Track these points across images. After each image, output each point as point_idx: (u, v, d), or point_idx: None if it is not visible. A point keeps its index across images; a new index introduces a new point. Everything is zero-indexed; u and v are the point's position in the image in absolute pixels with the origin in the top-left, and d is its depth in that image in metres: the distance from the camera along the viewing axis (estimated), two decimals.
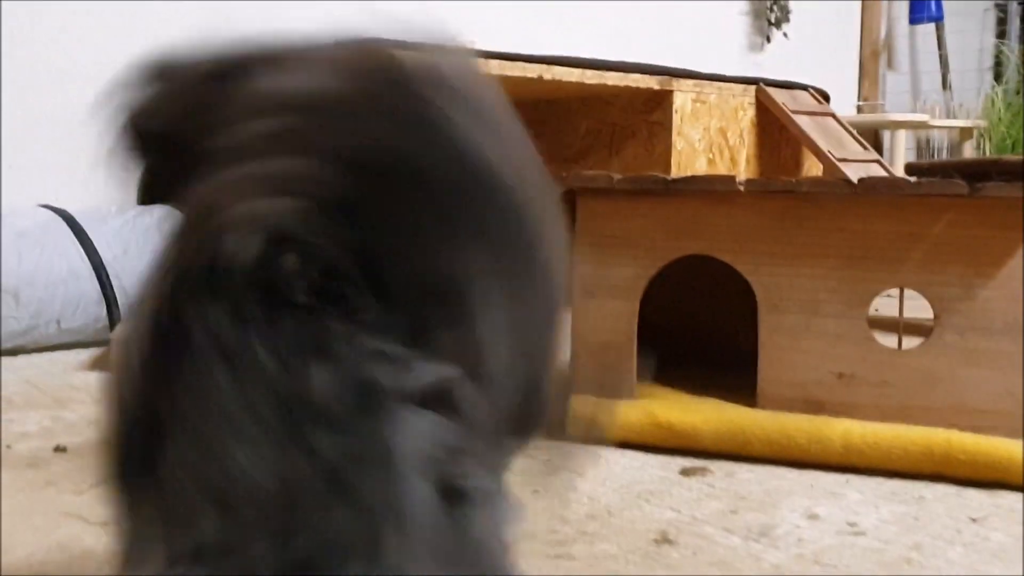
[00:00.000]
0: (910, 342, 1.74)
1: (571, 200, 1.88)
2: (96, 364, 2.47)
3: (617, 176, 1.81)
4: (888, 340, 1.74)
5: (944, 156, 5.80)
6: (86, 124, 2.55)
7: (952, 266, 1.65)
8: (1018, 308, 1.62)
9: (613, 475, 1.61)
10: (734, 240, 1.75)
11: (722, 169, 3.31)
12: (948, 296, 1.66)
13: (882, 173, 3.33)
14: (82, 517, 1.41)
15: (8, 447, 1.75)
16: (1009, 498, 1.51)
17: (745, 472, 1.63)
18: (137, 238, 2.78)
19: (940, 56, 6.05)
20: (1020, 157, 1.86)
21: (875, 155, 3.44)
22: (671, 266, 1.81)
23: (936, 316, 1.67)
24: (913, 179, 1.68)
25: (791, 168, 3.62)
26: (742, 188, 1.73)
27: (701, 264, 1.81)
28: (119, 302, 2.67)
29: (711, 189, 1.75)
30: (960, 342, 1.65)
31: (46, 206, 2.81)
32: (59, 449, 1.74)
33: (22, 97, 2.92)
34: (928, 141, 5.91)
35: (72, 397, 2.13)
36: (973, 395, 1.65)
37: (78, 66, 3.04)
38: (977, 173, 2.02)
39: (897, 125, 4.96)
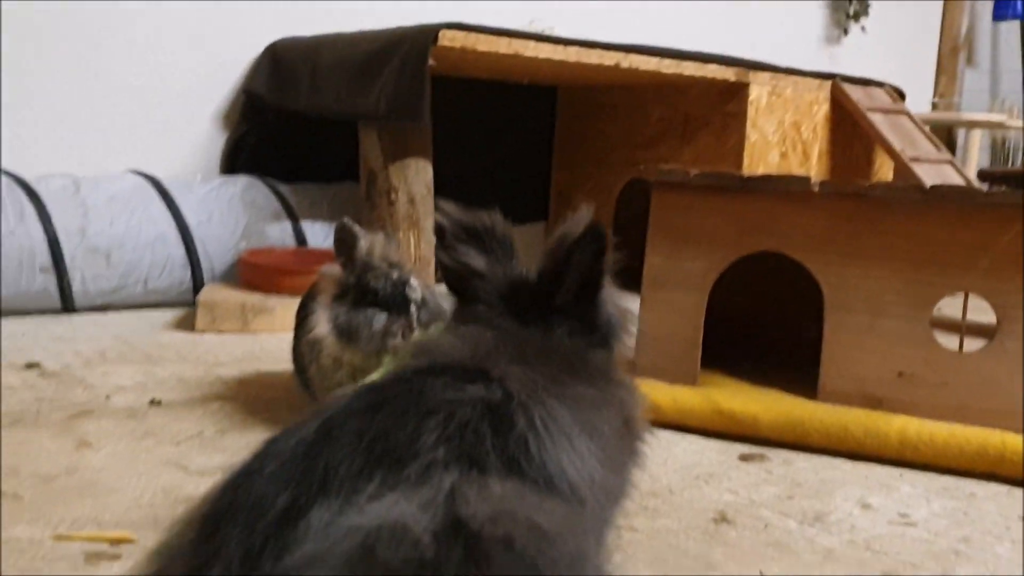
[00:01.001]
0: (971, 346, 1.78)
1: (646, 191, 1.94)
2: (181, 324, 2.61)
3: (693, 172, 1.87)
4: (950, 342, 1.78)
5: (1020, 158, 5.70)
6: (174, 94, 2.71)
7: (1017, 275, 1.68)
8: None
9: (674, 457, 1.68)
10: (805, 239, 1.80)
11: (794, 163, 3.33)
12: (1011, 304, 1.69)
13: (954, 175, 3.32)
14: (181, 466, 1.53)
15: (107, 398, 1.88)
16: None
17: (802, 461, 1.69)
18: (221, 206, 2.90)
19: (1023, 55, 5.94)
20: None
21: (948, 155, 3.43)
22: (740, 260, 1.86)
23: (998, 322, 1.71)
24: (984, 188, 1.71)
25: (863, 165, 3.62)
26: (816, 189, 1.78)
27: (770, 260, 1.86)
28: (202, 266, 2.81)
29: (786, 189, 1.80)
30: (1020, 349, 1.69)
31: (136, 172, 2.95)
32: (154, 403, 1.87)
33: (112, 67, 3.05)
34: (1004, 142, 5.81)
35: (161, 355, 2.26)
36: None
37: (166, 37, 3.16)
38: None
39: (972, 124, 4.90)
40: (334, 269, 1.68)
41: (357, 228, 1.66)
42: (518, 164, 3.88)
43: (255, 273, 2.72)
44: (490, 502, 0.74)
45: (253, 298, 2.62)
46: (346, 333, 1.61)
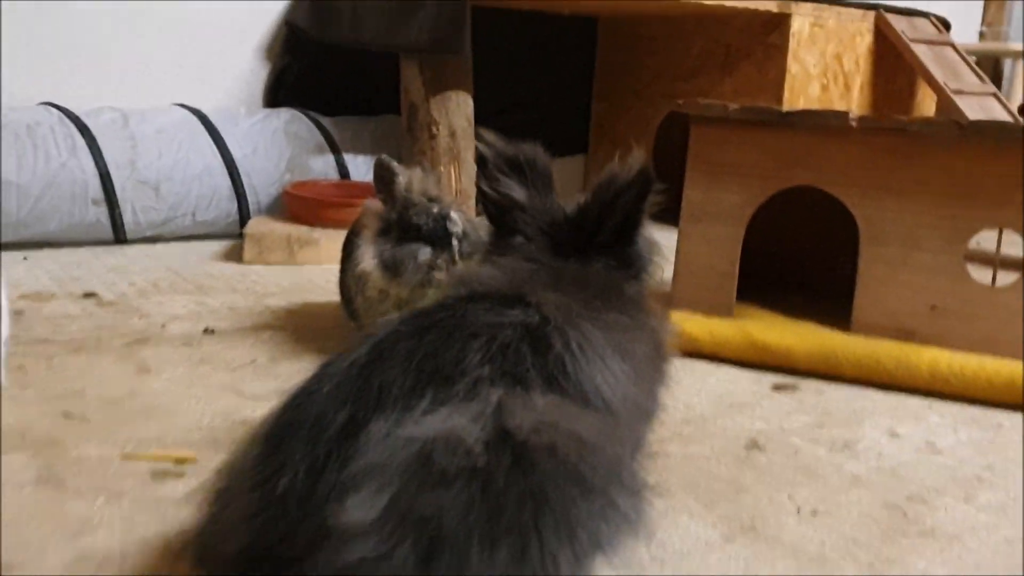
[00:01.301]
0: (1004, 280, 1.80)
1: (685, 125, 1.96)
2: (229, 255, 2.69)
3: (732, 106, 1.88)
4: (982, 276, 1.81)
5: None
6: (217, 28, 2.76)
7: None
8: None
9: (708, 387, 1.73)
10: (842, 174, 1.82)
11: (835, 96, 3.30)
12: None
13: (998, 108, 3.28)
14: (237, 391, 1.61)
15: (163, 326, 1.97)
16: None
17: (833, 391, 1.74)
18: (265, 139, 2.95)
19: None
20: None
21: (992, 88, 3.37)
22: (777, 194, 1.89)
23: None
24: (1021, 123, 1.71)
25: (905, 97, 3.57)
26: (854, 124, 1.79)
27: (806, 194, 1.88)
28: (248, 198, 2.87)
29: (824, 124, 1.81)
30: None
31: (182, 105, 3.00)
32: (207, 331, 1.95)
33: (156, 2, 3.08)
34: None
35: (212, 285, 2.34)
36: None
37: None
38: None
39: (1019, 55, 4.78)
40: (376, 205, 1.73)
41: (395, 164, 1.70)
42: (558, 96, 3.88)
43: (300, 206, 2.78)
44: (533, 414, 0.81)
45: (298, 230, 2.68)
46: (392, 267, 1.67)
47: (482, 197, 1.12)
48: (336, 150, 3.06)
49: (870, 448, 1.47)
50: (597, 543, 0.80)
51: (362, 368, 0.87)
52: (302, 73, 3.29)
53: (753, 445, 1.45)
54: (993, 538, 1.17)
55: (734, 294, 1.93)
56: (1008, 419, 1.63)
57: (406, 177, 1.71)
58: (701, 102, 1.92)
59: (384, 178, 1.70)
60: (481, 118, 3.04)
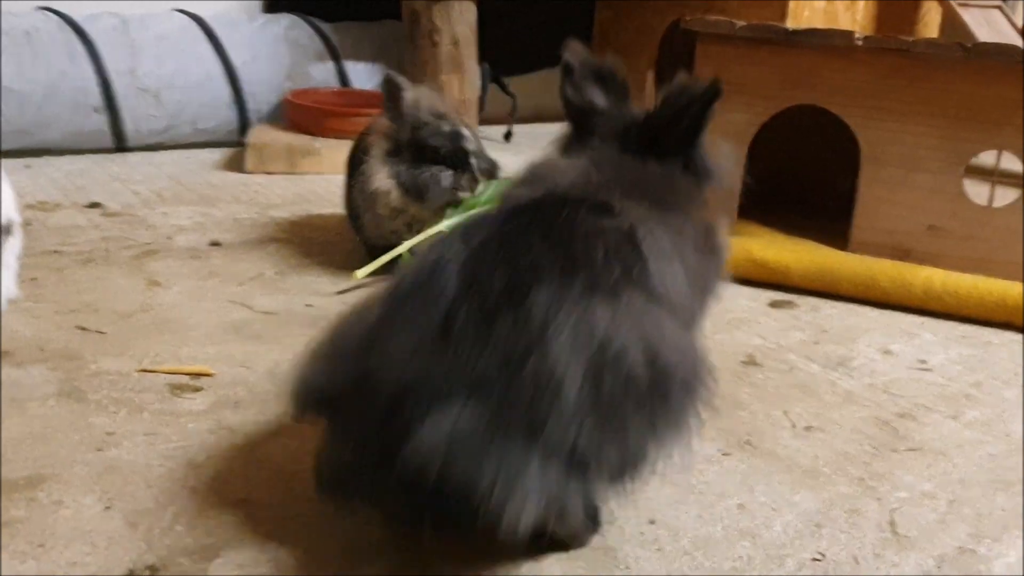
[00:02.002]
0: (1001, 200, 1.83)
1: (691, 42, 1.95)
2: (231, 164, 2.69)
3: (739, 23, 1.87)
4: (979, 196, 1.83)
5: None
6: None
7: None
8: None
9: None
10: (846, 94, 1.83)
11: (840, 7, 3.25)
12: None
13: (1003, 21, 3.24)
14: (247, 305, 1.65)
15: (169, 238, 1.99)
16: None
17: (829, 308, 1.78)
18: (265, 46, 2.93)
19: None
20: None
21: (997, 0, 3.33)
22: (780, 113, 1.89)
23: None
24: None
25: (909, 10, 3.52)
26: (860, 44, 1.79)
27: (808, 113, 1.89)
28: (249, 107, 2.86)
29: (829, 43, 1.81)
30: None
31: (181, 11, 2.96)
32: (214, 244, 1.97)
33: None
34: None
35: (216, 196, 2.35)
36: None
37: None
38: None
39: None
40: (383, 122, 1.74)
41: (402, 80, 1.71)
42: (561, 3, 3.82)
43: (301, 114, 2.77)
44: (666, 330, 0.93)
45: (300, 140, 2.68)
46: (415, 192, 1.70)
47: (566, 103, 1.21)
48: (336, 57, 3.03)
49: (864, 365, 1.52)
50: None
51: (499, 247, 0.94)
52: None
53: (750, 361, 1.50)
54: (978, 453, 1.23)
55: (735, 212, 1.95)
56: (997, 336, 1.68)
57: (413, 94, 1.71)
58: (708, 19, 1.91)
59: (392, 95, 1.70)
60: (483, 25, 3.01)
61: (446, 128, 1.69)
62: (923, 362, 1.55)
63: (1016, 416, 1.36)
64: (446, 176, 1.69)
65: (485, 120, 3.36)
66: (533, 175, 1.12)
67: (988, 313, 1.72)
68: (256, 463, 1.12)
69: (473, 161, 1.69)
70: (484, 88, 3.21)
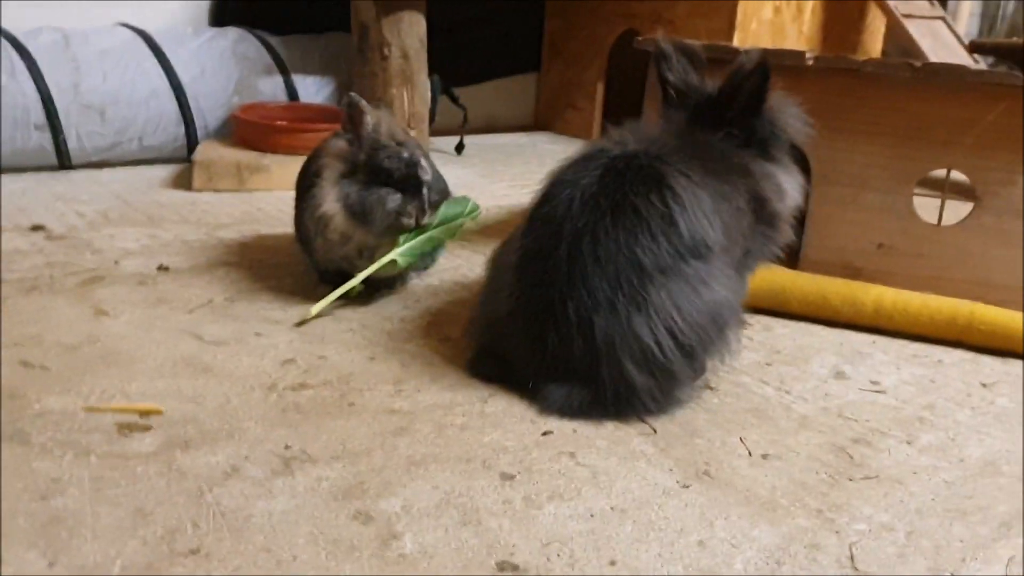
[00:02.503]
0: (950, 219, 1.85)
1: (644, 53, 1.95)
2: (178, 182, 2.64)
3: (695, 43, 1.87)
4: (929, 215, 1.86)
5: (1010, 8, 5.62)
6: None
7: (1001, 152, 1.73)
8: None
9: None
10: None
11: (787, 18, 3.29)
12: (992, 180, 1.75)
13: (946, 32, 3.30)
14: (196, 335, 1.61)
15: (116, 263, 1.94)
16: (1019, 366, 1.66)
17: (781, 328, 1.79)
18: (212, 60, 2.88)
19: None
20: None
21: (940, 12, 3.38)
22: None
23: (977, 198, 1.78)
24: (975, 64, 1.73)
25: (855, 20, 3.57)
26: (810, 63, 1.80)
27: None
28: (196, 122, 2.81)
29: (780, 63, 1.82)
30: (996, 223, 1.76)
31: (125, 25, 2.90)
32: (162, 268, 1.93)
33: None
34: None
35: (163, 216, 2.30)
36: (1001, 273, 1.78)
37: None
38: None
39: None
40: (338, 144, 1.71)
41: (364, 103, 1.68)
42: (510, 13, 3.81)
43: (249, 130, 2.73)
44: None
45: (248, 156, 2.64)
46: (359, 213, 1.66)
47: (663, 82, 1.52)
48: (285, 71, 2.99)
49: (817, 388, 1.53)
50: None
51: (599, 187, 1.36)
52: None
53: (706, 386, 1.50)
54: (933, 480, 1.24)
55: None
56: (947, 355, 1.70)
57: (375, 117, 1.69)
58: (660, 38, 1.91)
59: (353, 117, 1.67)
60: (433, 36, 2.99)
61: (404, 154, 1.66)
62: (876, 383, 1.56)
63: (969, 440, 1.37)
64: (393, 199, 1.65)
65: (436, 132, 3.34)
66: (615, 138, 1.44)
67: (938, 331, 1.74)
68: (207, 509, 1.09)
69: (425, 191, 1.67)
70: (435, 100, 3.19)
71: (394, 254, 1.68)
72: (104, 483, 1.13)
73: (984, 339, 1.71)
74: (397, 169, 1.65)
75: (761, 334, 1.75)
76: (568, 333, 1.31)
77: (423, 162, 1.67)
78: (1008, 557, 1.07)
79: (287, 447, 1.22)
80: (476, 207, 1.82)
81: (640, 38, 1.93)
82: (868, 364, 1.64)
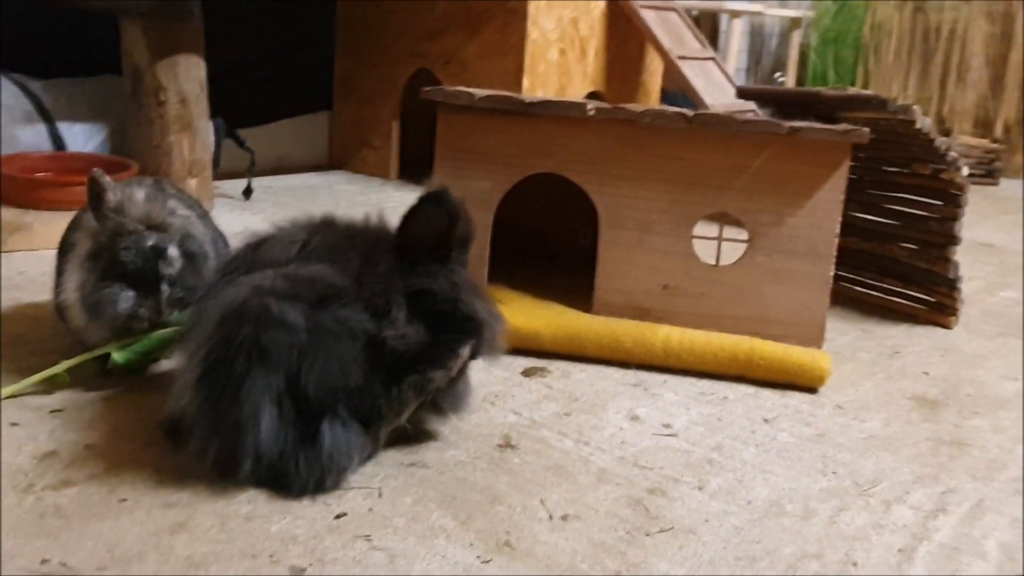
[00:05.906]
0: (726, 260, 1.94)
1: (433, 111, 1.94)
2: None
3: (478, 94, 1.88)
4: (708, 256, 1.94)
5: (774, 44, 6.08)
6: None
7: (768, 195, 1.84)
8: (819, 235, 1.83)
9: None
10: (582, 161, 1.88)
11: (572, 60, 3.38)
12: (762, 222, 1.85)
13: (717, 72, 3.50)
14: None
15: None
16: (796, 398, 1.75)
17: (579, 373, 1.81)
18: None
19: None
20: (842, 91, 2.02)
21: (711, 52, 3.59)
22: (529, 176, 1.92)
23: (750, 239, 1.87)
24: (744, 110, 1.83)
25: (635, 60, 3.73)
26: (591, 114, 1.84)
27: (552, 177, 1.92)
28: None
29: (564, 114, 1.86)
30: (768, 262, 1.86)
31: None
32: None
33: None
34: (762, 27, 6.14)
35: None
36: (775, 308, 1.88)
37: None
38: (803, 103, 2.21)
39: (735, 14, 5.17)
40: (91, 219, 1.56)
41: (106, 180, 1.51)
42: (299, 51, 3.73)
43: (8, 185, 2.51)
44: None
45: (8, 213, 2.43)
46: (90, 308, 1.51)
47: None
48: (48, 118, 2.79)
49: (614, 435, 1.54)
50: None
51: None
52: (4, 30, 2.95)
53: (507, 443, 1.49)
54: (723, 527, 1.27)
55: (485, 278, 1.95)
56: (732, 391, 1.77)
57: (117, 196, 1.53)
58: (447, 90, 1.91)
59: (94, 196, 1.52)
60: (217, 76, 2.87)
61: (147, 243, 1.50)
62: (668, 426, 1.59)
63: (755, 481, 1.42)
64: (125, 298, 1.50)
65: (223, 175, 3.21)
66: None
67: (721, 367, 1.81)
68: None
69: (165, 288, 1.51)
70: (219, 144, 3.06)
71: (111, 349, 1.54)
72: None
73: (763, 373, 1.80)
74: (132, 263, 1.49)
75: (560, 381, 1.76)
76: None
77: (170, 252, 1.52)
78: None
79: (44, 561, 1.09)
80: None
81: (426, 88, 1.91)
82: (660, 406, 1.68)
